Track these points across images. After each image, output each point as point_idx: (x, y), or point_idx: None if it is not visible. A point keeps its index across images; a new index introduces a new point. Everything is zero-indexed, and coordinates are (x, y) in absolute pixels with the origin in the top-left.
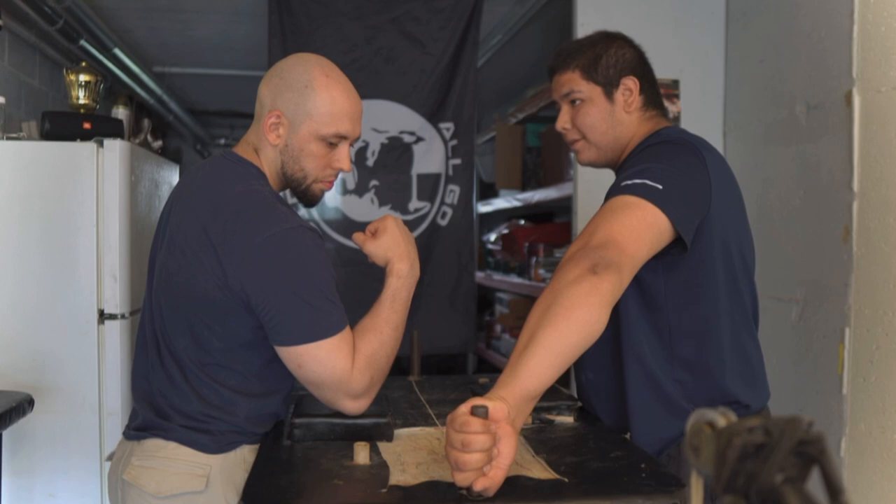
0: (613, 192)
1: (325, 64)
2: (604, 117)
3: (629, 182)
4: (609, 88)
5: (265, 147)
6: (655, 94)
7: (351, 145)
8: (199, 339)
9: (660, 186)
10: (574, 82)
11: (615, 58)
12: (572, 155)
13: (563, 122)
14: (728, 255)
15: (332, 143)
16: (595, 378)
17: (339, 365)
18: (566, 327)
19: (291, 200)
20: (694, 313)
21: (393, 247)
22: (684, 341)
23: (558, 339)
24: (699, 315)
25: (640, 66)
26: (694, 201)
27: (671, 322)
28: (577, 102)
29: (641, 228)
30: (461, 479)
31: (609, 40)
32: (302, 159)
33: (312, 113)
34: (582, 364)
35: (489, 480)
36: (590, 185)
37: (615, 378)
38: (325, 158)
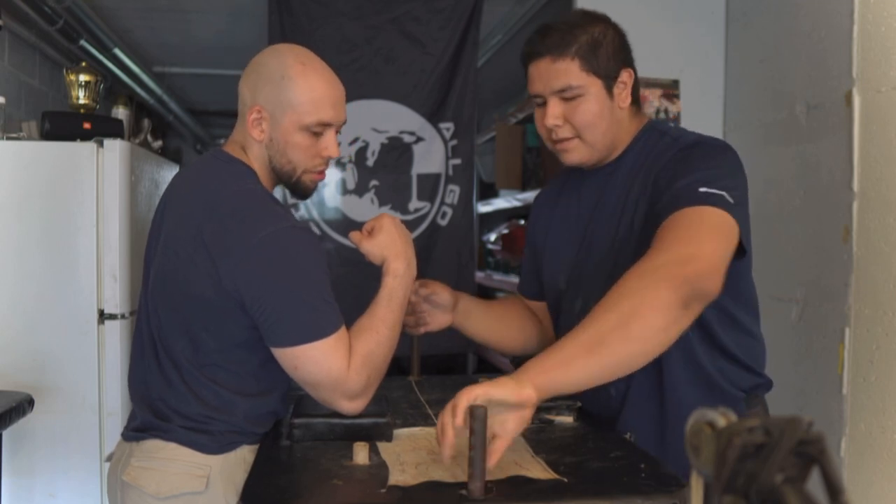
0: (690, 196)
1: (301, 52)
2: (605, 114)
3: (709, 191)
4: (609, 82)
5: (251, 144)
6: (637, 86)
7: (338, 131)
8: (195, 340)
9: (732, 201)
10: (572, 74)
11: (613, 46)
12: None
13: (554, 117)
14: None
15: (316, 132)
16: (628, 387)
17: (336, 365)
18: (633, 354)
19: (291, 201)
20: (733, 306)
21: (389, 245)
22: (727, 330)
23: (620, 363)
24: (737, 307)
25: (630, 56)
26: (747, 207)
27: (717, 310)
28: (574, 98)
29: (730, 250)
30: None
31: (598, 22)
32: (288, 151)
33: (293, 103)
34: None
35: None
36: None
37: (652, 379)
38: (312, 148)
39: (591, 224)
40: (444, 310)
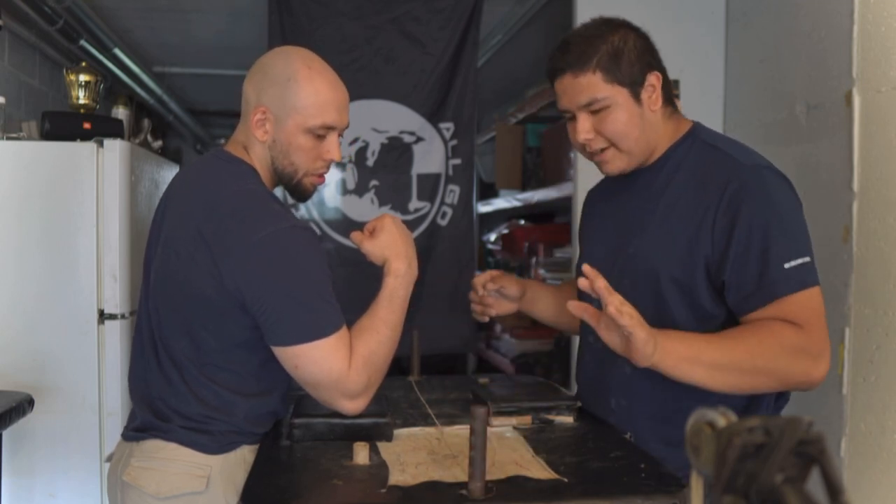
0: (783, 277)
1: (307, 55)
2: (636, 122)
3: (791, 265)
4: (635, 88)
5: (254, 144)
6: (669, 86)
7: (340, 135)
8: (195, 339)
9: (808, 259)
10: (596, 88)
11: (635, 52)
12: (572, 155)
13: (585, 131)
14: None
15: (319, 135)
16: (630, 404)
17: (336, 365)
18: (733, 390)
19: (291, 201)
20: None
21: (390, 245)
22: None
23: (721, 388)
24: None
25: (656, 57)
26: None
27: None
28: (602, 110)
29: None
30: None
31: (618, 29)
32: (291, 153)
33: (297, 106)
34: (607, 390)
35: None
36: (590, 185)
37: (662, 400)
38: (314, 151)
39: (625, 227)
40: (511, 300)
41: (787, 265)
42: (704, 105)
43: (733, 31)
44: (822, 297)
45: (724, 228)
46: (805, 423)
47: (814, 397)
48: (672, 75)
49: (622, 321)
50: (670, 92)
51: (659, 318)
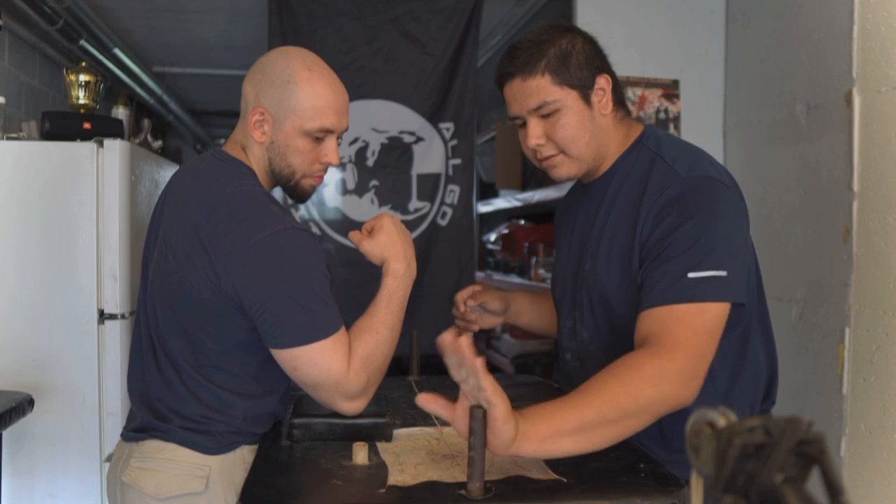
0: (682, 290)
1: (308, 57)
2: (586, 125)
3: (696, 276)
4: (585, 91)
5: (252, 145)
6: (620, 90)
7: (339, 138)
8: (193, 340)
9: (724, 273)
10: (544, 91)
11: (583, 54)
12: None
13: (536, 137)
14: (757, 277)
15: (317, 137)
16: None
17: (335, 367)
18: (617, 439)
19: (291, 202)
20: (732, 337)
21: (389, 245)
22: (726, 369)
23: (604, 444)
24: (735, 339)
25: (605, 61)
26: (746, 257)
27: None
28: (552, 114)
29: (717, 334)
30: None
31: (566, 33)
32: (288, 155)
33: (296, 108)
34: None
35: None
36: None
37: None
38: (312, 153)
39: (582, 241)
40: (495, 314)
41: (691, 274)
42: (704, 105)
43: (733, 31)
44: (722, 317)
45: (650, 239)
46: (805, 423)
47: (814, 397)
48: (672, 75)
49: (483, 383)
50: (621, 95)
51: (613, 337)
